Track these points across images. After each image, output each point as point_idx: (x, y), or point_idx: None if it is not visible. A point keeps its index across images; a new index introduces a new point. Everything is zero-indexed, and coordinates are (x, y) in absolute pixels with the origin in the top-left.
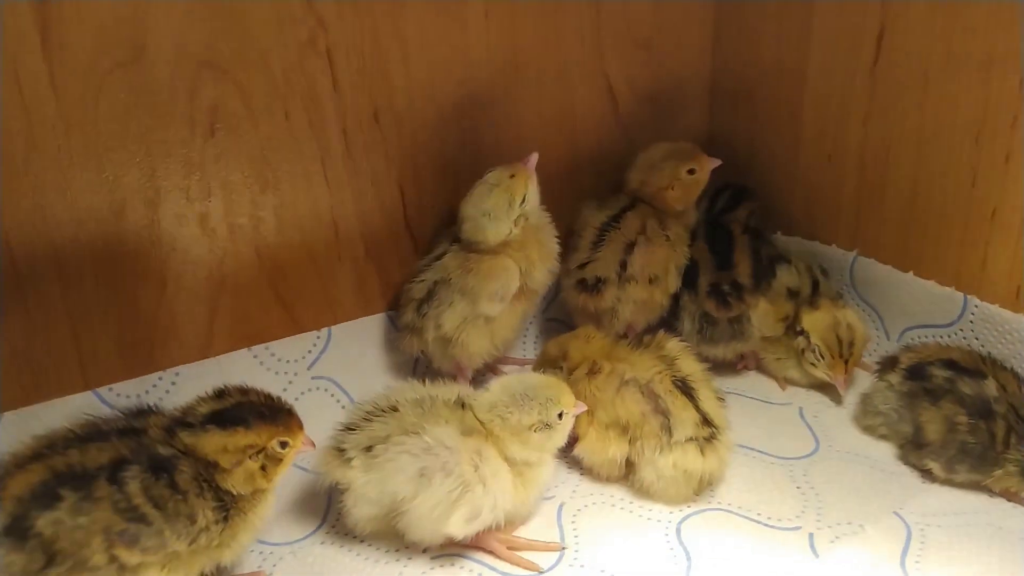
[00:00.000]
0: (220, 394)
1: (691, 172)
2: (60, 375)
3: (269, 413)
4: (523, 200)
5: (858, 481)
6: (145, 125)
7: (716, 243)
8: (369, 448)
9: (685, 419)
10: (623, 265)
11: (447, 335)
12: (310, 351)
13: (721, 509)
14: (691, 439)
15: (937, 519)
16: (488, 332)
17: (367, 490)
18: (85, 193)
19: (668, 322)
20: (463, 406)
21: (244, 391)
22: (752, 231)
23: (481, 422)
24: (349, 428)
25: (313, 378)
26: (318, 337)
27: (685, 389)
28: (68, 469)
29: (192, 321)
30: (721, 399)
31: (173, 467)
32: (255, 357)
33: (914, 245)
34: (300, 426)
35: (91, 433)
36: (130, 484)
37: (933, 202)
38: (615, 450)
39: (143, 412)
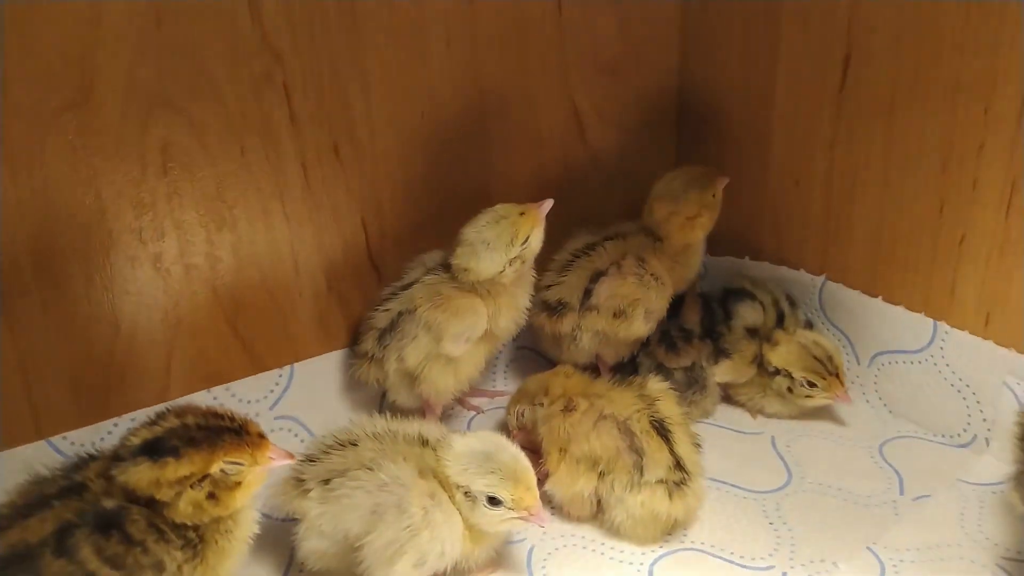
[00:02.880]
0: (154, 420)
1: (714, 195)
2: (11, 425)
3: (205, 436)
4: (525, 241)
5: (831, 515)
6: (94, 166)
7: None
8: (327, 481)
9: (658, 460)
10: (587, 293)
11: (410, 370)
12: (272, 390)
13: (694, 549)
14: (661, 481)
15: (911, 554)
16: (452, 370)
17: (321, 523)
18: (33, 239)
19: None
20: (424, 443)
21: (181, 412)
22: (701, 293)
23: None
24: (309, 459)
25: (276, 418)
26: (280, 375)
27: (661, 431)
28: (12, 551)
29: (148, 364)
30: (698, 445)
31: (123, 519)
32: (215, 399)
33: (882, 270)
34: (260, 442)
35: (31, 503)
36: (81, 550)
37: (901, 228)
38: (584, 484)
39: (83, 463)
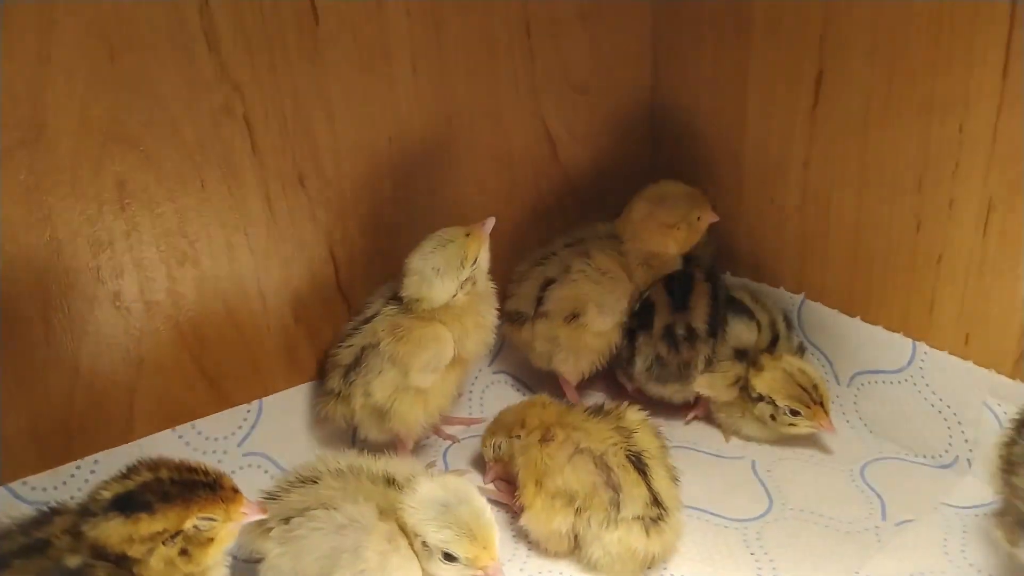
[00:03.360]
0: (127, 473)
1: (698, 219)
2: None
3: (179, 492)
4: (474, 262)
5: (813, 543)
6: (49, 205)
7: (675, 284)
8: (287, 520)
9: (636, 496)
10: (539, 301)
11: (378, 405)
12: (240, 427)
13: None
14: (638, 518)
15: None
16: (421, 402)
17: (280, 563)
18: None
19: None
20: (390, 482)
21: (154, 466)
22: (714, 278)
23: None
24: (271, 496)
25: (245, 455)
26: (248, 411)
27: (639, 465)
28: None
29: (110, 406)
30: (675, 479)
31: None
32: (180, 437)
33: (860, 290)
34: (233, 497)
35: None
36: None
37: (877, 247)
38: (560, 520)
39: (45, 517)
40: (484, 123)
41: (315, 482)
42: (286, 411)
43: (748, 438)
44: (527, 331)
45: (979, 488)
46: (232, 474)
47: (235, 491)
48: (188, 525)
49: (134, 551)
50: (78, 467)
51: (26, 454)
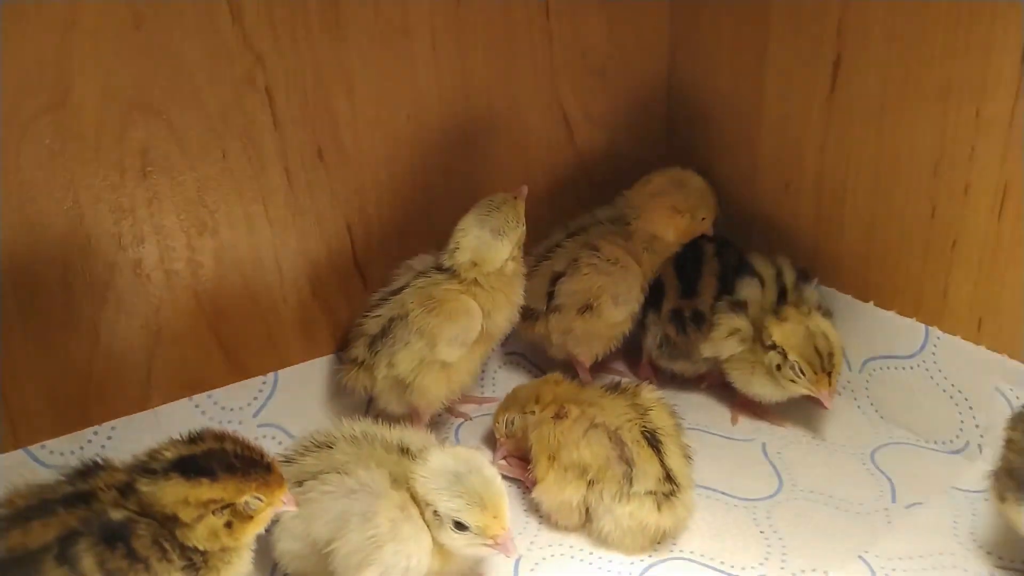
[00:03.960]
0: (193, 438)
1: (703, 219)
2: None
3: (241, 466)
4: (523, 224)
5: (822, 523)
6: (72, 171)
7: (684, 266)
8: (300, 483)
9: (648, 472)
10: (550, 295)
11: (401, 377)
12: (255, 398)
13: (683, 558)
14: (650, 492)
15: (903, 563)
16: (445, 376)
17: (293, 525)
18: (9, 243)
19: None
20: (404, 451)
21: (220, 437)
22: (723, 250)
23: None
24: (286, 460)
25: (260, 426)
26: (264, 383)
27: (653, 441)
28: (11, 556)
29: (128, 372)
30: (688, 457)
31: (129, 532)
32: (196, 407)
33: (874, 275)
34: (280, 483)
35: (33, 507)
36: (83, 560)
37: (892, 232)
38: (572, 492)
39: (90, 470)
40: (501, 103)
41: (330, 447)
42: (301, 384)
43: (759, 397)
44: (541, 326)
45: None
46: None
47: (282, 478)
48: (241, 500)
49: (185, 514)
50: (95, 432)
51: (44, 418)
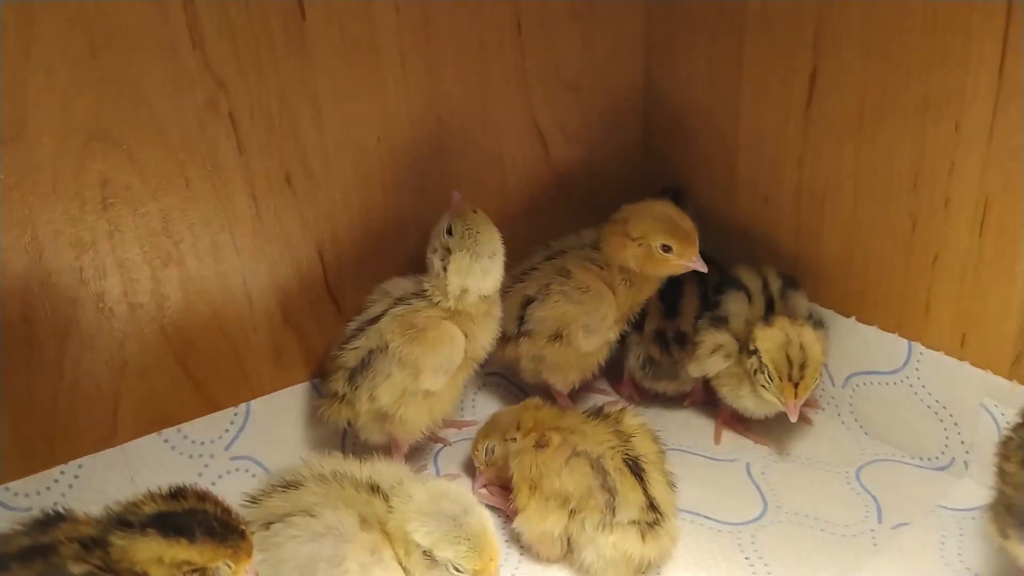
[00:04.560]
0: (175, 494)
1: (665, 249)
2: None
3: (220, 530)
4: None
5: (808, 547)
6: (30, 205)
7: (665, 286)
8: (267, 525)
9: (631, 501)
10: (521, 320)
11: (383, 409)
12: (227, 430)
13: None
14: (634, 522)
15: None
16: (427, 406)
17: (261, 569)
18: None
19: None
20: (374, 489)
21: (202, 497)
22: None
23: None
24: (252, 501)
25: (232, 459)
26: (235, 414)
27: (636, 470)
28: None
29: (94, 409)
30: (672, 484)
31: None
32: (166, 441)
33: (855, 289)
34: (249, 553)
35: None
36: None
37: (873, 247)
38: (553, 522)
39: (50, 521)
40: (474, 122)
41: (297, 487)
42: (274, 413)
43: (746, 411)
44: (511, 349)
45: (976, 490)
46: (219, 478)
47: (252, 548)
48: (214, 565)
49: (156, 572)
50: (62, 472)
51: (8, 459)
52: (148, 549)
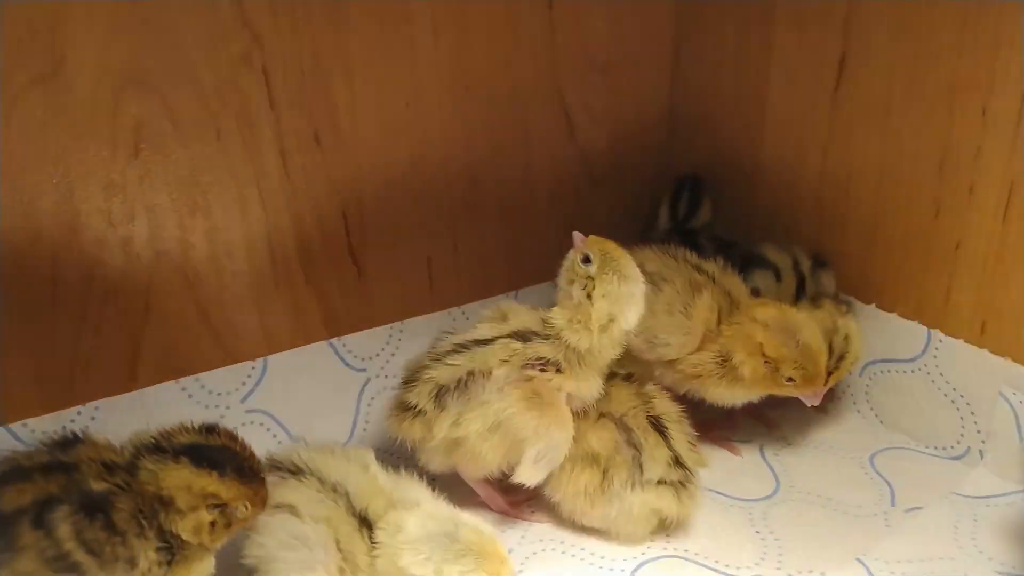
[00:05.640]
0: (207, 430)
1: (790, 380)
2: None
3: (248, 472)
4: None
5: (820, 525)
6: (63, 144)
7: None
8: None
9: (657, 457)
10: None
11: (462, 438)
12: (244, 383)
13: (677, 556)
14: (662, 481)
15: (902, 566)
16: (504, 445)
17: (252, 550)
18: None
19: None
20: (363, 522)
21: (234, 438)
22: (721, 247)
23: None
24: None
25: (248, 411)
26: (253, 368)
27: (658, 427)
28: None
29: (115, 352)
30: (693, 444)
31: (110, 505)
32: (183, 389)
33: (876, 277)
34: (264, 503)
35: (10, 472)
36: (60, 527)
37: (895, 233)
38: (586, 479)
39: (70, 443)
40: (502, 95)
41: (299, 475)
42: (291, 370)
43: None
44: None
45: (991, 479)
46: (234, 430)
47: (267, 499)
48: (236, 504)
49: (182, 500)
50: (79, 412)
51: (28, 396)
52: (178, 476)
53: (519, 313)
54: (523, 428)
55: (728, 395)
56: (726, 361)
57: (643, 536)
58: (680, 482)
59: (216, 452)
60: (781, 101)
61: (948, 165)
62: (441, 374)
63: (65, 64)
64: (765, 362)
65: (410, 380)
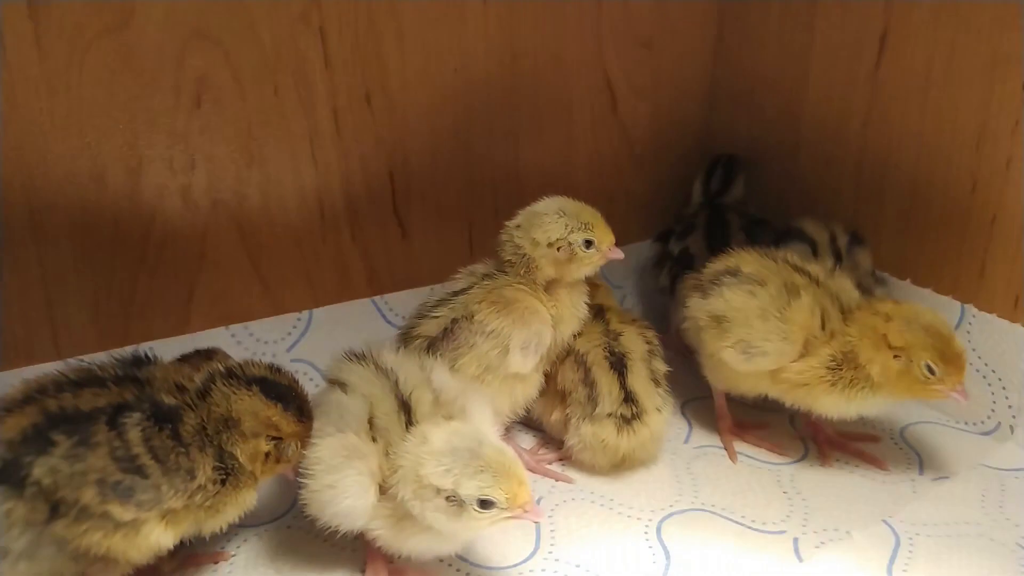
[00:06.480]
0: (275, 369)
1: (930, 370)
2: (31, 343)
3: (305, 413)
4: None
5: (847, 488)
6: (130, 92)
7: (713, 237)
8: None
9: (611, 394)
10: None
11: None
12: (290, 333)
13: (704, 510)
14: (610, 415)
15: (927, 528)
16: (508, 388)
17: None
18: (66, 158)
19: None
20: (404, 407)
21: (295, 380)
22: (751, 224)
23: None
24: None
25: (292, 361)
26: (299, 319)
27: (617, 365)
28: (61, 412)
29: (169, 296)
30: (656, 381)
31: (178, 418)
32: (233, 336)
33: (912, 252)
34: (306, 446)
35: (86, 378)
36: (131, 431)
37: (932, 208)
38: (556, 415)
39: (141, 362)
40: (547, 65)
41: (362, 362)
42: (335, 323)
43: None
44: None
45: (1020, 452)
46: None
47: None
48: (290, 440)
49: (247, 425)
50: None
51: (86, 332)
52: (249, 403)
53: (486, 265)
54: (501, 329)
55: (844, 405)
56: (840, 366)
57: (603, 467)
58: (624, 416)
59: (283, 389)
60: (822, 77)
61: (986, 139)
62: (428, 327)
63: (135, 16)
64: (895, 356)
65: (407, 341)
